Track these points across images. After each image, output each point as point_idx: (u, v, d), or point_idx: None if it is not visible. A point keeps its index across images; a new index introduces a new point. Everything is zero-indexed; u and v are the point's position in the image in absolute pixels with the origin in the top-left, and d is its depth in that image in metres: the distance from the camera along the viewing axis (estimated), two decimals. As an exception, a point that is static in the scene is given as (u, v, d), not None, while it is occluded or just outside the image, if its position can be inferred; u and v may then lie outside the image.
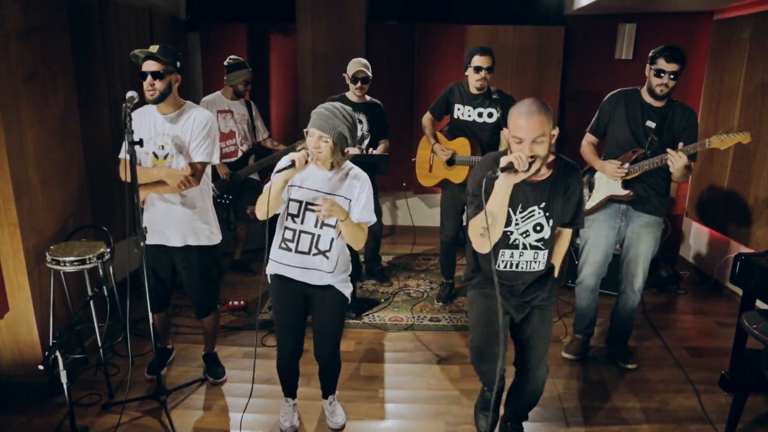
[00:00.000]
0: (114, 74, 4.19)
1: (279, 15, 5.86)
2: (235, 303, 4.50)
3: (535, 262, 2.62)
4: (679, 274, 5.14)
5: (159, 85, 2.95)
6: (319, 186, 2.73)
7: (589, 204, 3.68)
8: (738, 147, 4.69)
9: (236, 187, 4.75)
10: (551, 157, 2.50)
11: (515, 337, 2.82)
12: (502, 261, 2.62)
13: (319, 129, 2.61)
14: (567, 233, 2.73)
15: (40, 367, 2.61)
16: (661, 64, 3.29)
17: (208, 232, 3.25)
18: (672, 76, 3.28)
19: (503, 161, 2.25)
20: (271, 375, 3.59)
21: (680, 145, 3.23)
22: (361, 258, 5.16)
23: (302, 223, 2.75)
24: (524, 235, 2.58)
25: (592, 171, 3.68)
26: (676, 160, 3.19)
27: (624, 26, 5.57)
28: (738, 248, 4.65)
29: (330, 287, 2.84)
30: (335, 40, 5.47)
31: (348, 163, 2.79)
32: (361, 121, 4.55)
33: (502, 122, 4.08)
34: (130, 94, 2.77)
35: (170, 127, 3.07)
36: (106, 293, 3.37)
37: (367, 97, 4.63)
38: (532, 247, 2.60)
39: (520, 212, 2.54)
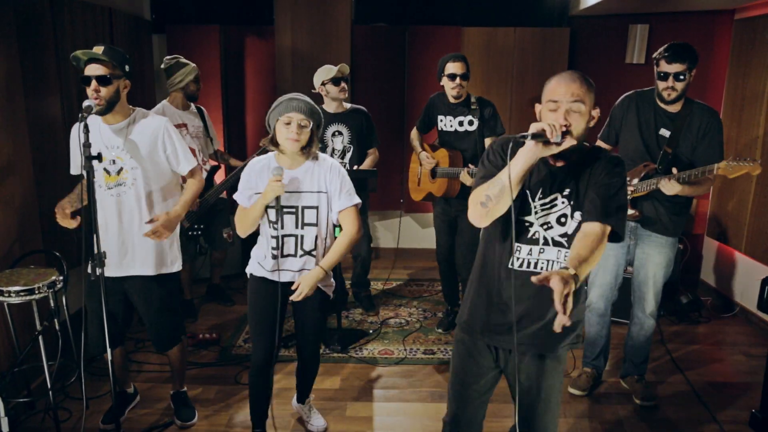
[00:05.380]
0: (69, 80, 4.07)
1: (255, 16, 5.80)
2: (206, 336, 4.36)
3: (557, 262, 2.28)
4: (700, 301, 5.07)
5: (105, 92, 2.84)
6: (291, 187, 2.81)
7: None
8: (765, 157, 4.65)
9: (206, 213, 4.56)
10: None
11: (510, 388, 2.48)
12: (518, 258, 2.30)
13: (298, 111, 2.68)
14: (594, 233, 2.11)
15: (-25, 415, 2.51)
16: (663, 66, 3.24)
17: (171, 257, 3.19)
18: (678, 78, 3.21)
19: (534, 127, 2.07)
20: (246, 417, 3.46)
21: (674, 170, 3.19)
22: (347, 284, 5.06)
23: (282, 227, 2.85)
24: (545, 228, 2.27)
25: None
26: (667, 189, 3.18)
27: (635, 27, 5.56)
28: (766, 271, 4.56)
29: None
30: (317, 44, 5.42)
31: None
32: (340, 133, 4.50)
33: (483, 130, 4.21)
34: (87, 103, 2.75)
35: (121, 138, 2.98)
36: (57, 327, 3.27)
37: (347, 105, 4.58)
38: (555, 243, 2.27)
39: (540, 198, 2.26)
